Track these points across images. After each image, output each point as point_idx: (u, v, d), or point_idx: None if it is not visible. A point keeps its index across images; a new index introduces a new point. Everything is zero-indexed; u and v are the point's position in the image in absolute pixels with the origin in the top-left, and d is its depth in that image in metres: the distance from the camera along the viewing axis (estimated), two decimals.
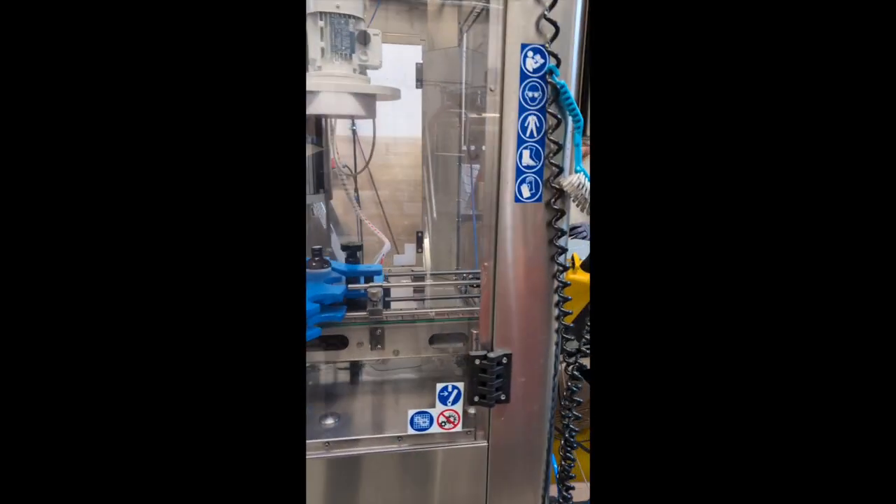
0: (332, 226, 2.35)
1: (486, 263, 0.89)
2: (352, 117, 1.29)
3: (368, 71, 1.28)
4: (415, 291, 1.39)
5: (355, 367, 1.33)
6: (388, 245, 1.65)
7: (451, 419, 0.94)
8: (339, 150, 2.91)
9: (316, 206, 2.21)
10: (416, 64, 1.86)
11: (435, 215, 1.79)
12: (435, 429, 0.94)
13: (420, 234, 2.07)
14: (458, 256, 1.82)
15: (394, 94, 1.29)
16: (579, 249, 1.91)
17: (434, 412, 0.93)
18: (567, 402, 0.96)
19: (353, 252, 1.35)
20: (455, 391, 0.93)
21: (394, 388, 1.26)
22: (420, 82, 1.84)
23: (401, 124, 2.80)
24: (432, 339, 1.20)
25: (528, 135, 0.83)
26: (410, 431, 0.94)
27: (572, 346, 0.95)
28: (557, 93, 0.81)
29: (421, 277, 1.38)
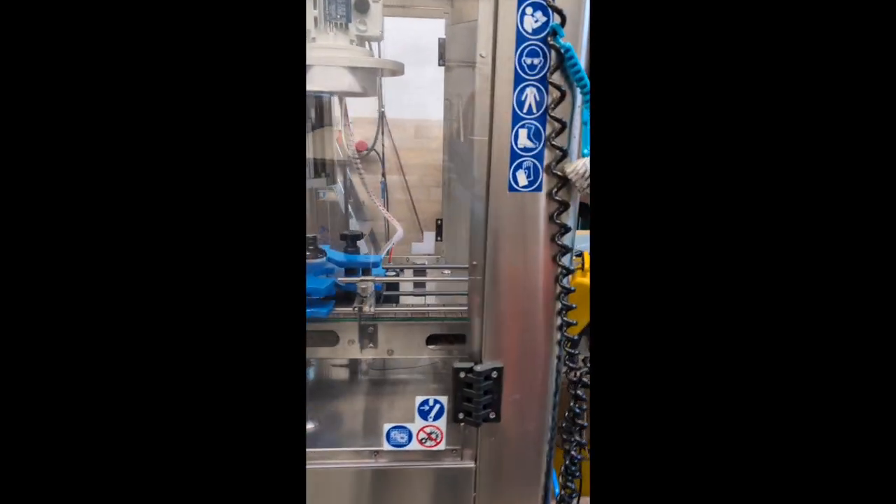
0: (351, 210, 2.27)
1: (474, 262, 0.77)
2: (349, 94, 1.18)
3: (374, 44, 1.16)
4: (417, 286, 1.28)
5: (354, 366, 1.25)
6: (400, 232, 1.55)
7: (433, 436, 0.83)
8: (366, 133, 2.82)
9: (336, 189, 2.14)
10: (439, 39, 1.72)
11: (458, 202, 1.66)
12: (414, 445, 0.84)
13: (440, 222, 1.95)
14: None
15: (397, 69, 1.17)
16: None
17: (413, 427, 0.83)
18: (569, 425, 0.82)
19: (352, 241, 1.26)
20: (437, 406, 0.82)
21: (391, 391, 1.16)
22: (443, 60, 1.70)
23: (431, 106, 2.66)
24: (430, 340, 1.09)
25: (525, 110, 0.70)
26: (387, 447, 0.84)
27: (578, 359, 0.82)
28: (562, 59, 0.67)
29: (423, 270, 1.27)
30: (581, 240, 1.68)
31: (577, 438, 0.83)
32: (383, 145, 2.77)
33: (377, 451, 0.85)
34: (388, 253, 1.58)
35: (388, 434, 0.83)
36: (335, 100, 1.56)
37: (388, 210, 3.09)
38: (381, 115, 2.76)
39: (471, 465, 0.86)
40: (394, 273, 1.35)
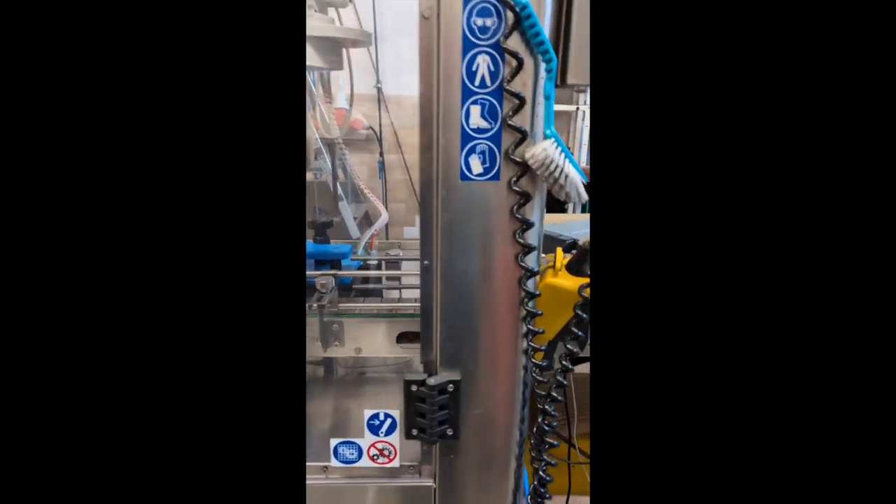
0: (342, 192, 2.17)
1: (425, 262, 0.67)
2: (308, 69, 1.07)
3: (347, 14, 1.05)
4: (390, 278, 1.19)
5: (328, 364, 1.17)
6: (384, 217, 1.45)
7: (386, 452, 0.75)
8: (367, 112, 2.70)
9: (326, 169, 2.04)
10: None
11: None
12: (365, 462, 0.76)
13: None
14: None
15: (364, 40, 1.05)
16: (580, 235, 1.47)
17: (363, 443, 0.75)
18: (537, 442, 0.73)
19: (321, 229, 1.17)
20: (389, 420, 0.73)
21: (361, 393, 1.08)
22: None
23: None
24: (400, 337, 1.00)
25: (477, 83, 0.58)
26: (335, 463, 0.76)
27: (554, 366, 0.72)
28: (519, 19, 0.55)
29: (397, 263, 1.18)
30: (581, 225, 1.52)
31: (546, 458, 0.73)
32: (380, 124, 2.65)
33: (326, 467, 0.78)
34: (371, 239, 1.48)
35: (335, 450, 0.75)
36: (314, 74, 1.44)
37: (385, 191, 2.97)
38: (378, 91, 2.63)
39: (430, 483, 0.78)
40: (373, 264, 1.26)
